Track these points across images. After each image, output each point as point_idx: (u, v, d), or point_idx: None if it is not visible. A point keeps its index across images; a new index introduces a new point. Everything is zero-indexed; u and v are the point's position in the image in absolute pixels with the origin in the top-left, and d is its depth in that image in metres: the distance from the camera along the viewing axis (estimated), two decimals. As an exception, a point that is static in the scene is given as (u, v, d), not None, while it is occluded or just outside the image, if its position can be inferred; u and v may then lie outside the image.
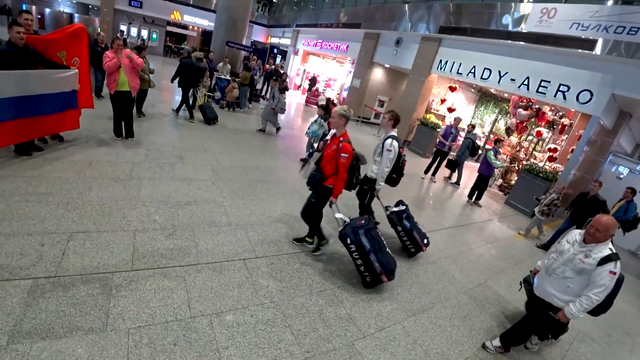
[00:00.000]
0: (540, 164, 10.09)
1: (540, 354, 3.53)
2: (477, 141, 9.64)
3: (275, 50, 27.34)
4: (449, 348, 3.20)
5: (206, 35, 27.12)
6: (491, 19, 10.08)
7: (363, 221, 3.72)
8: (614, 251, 2.74)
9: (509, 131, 12.03)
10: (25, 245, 3.06)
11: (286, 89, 7.79)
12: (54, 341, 2.26)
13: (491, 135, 14.26)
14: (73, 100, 5.25)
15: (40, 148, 5.04)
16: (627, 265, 7.64)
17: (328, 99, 8.60)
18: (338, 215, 3.80)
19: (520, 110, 10.95)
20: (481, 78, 10.65)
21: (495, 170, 7.68)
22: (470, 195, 8.28)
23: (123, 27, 23.38)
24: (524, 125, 11.32)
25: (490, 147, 8.43)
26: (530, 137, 12.59)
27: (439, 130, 11.33)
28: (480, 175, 8.20)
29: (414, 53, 12.71)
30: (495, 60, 10.28)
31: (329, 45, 18.25)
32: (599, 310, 3.03)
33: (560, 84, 8.92)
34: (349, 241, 3.58)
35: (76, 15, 23.58)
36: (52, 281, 2.75)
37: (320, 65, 21.27)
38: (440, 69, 11.88)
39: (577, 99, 8.59)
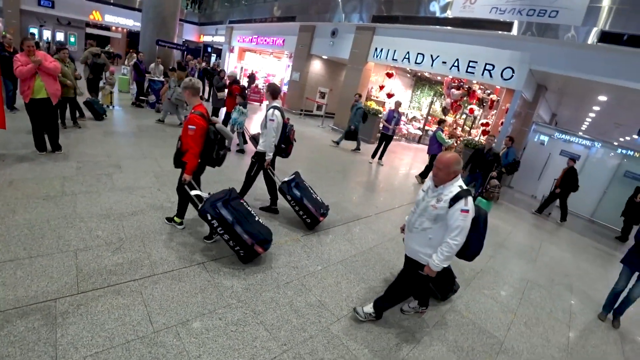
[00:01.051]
0: (476, 139, 10.88)
1: (445, 316, 3.67)
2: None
3: (210, 49, 26.29)
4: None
5: (132, 36, 25.19)
6: (420, 7, 10.56)
7: (223, 194, 3.53)
8: (464, 188, 2.57)
9: (445, 111, 12.79)
10: None
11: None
12: (-6, 387, 1.96)
13: (429, 117, 15.09)
14: None
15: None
16: (583, 228, 8.57)
17: (233, 81, 8.39)
18: (193, 193, 3.60)
19: (453, 90, 11.68)
20: (415, 63, 11.15)
21: (443, 148, 8.23)
22: (422, 175, 8.67)
23: (34, 30, 20.96)
24: (458, 104, 12.09)
25: (436, 128, 8.90)
26: (464, 116, 13.51)
27: (381, 115, 11.70)
28: (432, 156, 8.61)
29: (349, 43, 12.94)
30: (427, 45, 10.82)
31: (265, 41, 17.95)
32: (469, 252, 2.79)
33: (486, 64, 9.64)
34: (209, 217, 3.33)
35: None
36: (-21, 321, 2.38)
37: (258, 62, 20.88)
38: (376, 56, 12.24)
39: (502, 76, 9.36)
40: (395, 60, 11.67)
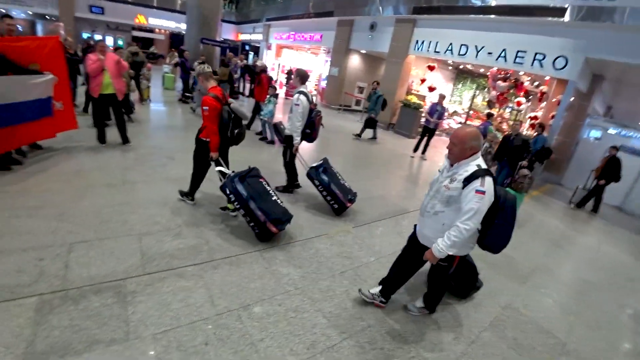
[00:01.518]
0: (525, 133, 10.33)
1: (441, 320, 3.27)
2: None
3: (247, 47, 26.82)
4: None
5: (174, 37, 26.26)
6: None
7: (243, 172, 3.69)
8: (482, 167, 2.26)
9: (490, 104, 12.24)
10: (22, 262, 2.83)
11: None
12: (75, 358, 2.08)
13: (471, 112, 14.52)
14: (48, 107, 4.92)
15: (20, 162, 4.70)
16: (618, 219, 7.95)
17: (261, 70, 8.43)
18: (217, 169, 3.83)
19: (499, 82, 11.15)
20: (459, 54, 10.74)
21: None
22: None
23: (86, 35, 22.39)
24: (504, 97, 11.54)
25: (483, 122, 8.55)
26: (509, 109, 12.87)
27: (422, 110, 11.40)
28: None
29: (389, 36, 12.69)
30: (471, 36, 10.38)
31: (302, 37, 18.02)
32: (495, 244, 2.46)
33: (536, 53, 9.09)
34: (227, 191, 3.49)
35: (39, 21, 22.43)
36: (59, 295, 2.54)
37: (295, 58, 21.01)
38: (417, 49, 11.92)
39: (554, 65, 8.79)
40: (438, 52, 11.31)
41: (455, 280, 3.31)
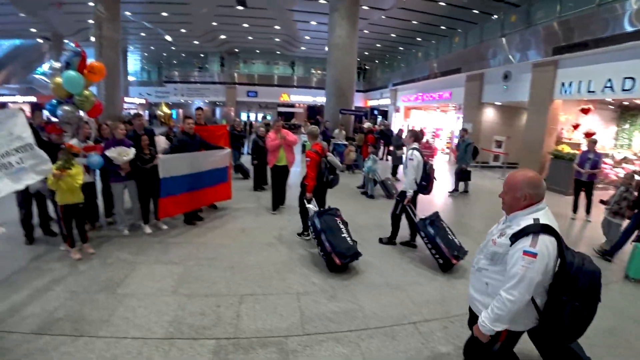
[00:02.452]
0: None
1: None
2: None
3: (376, 112, 28.52)
4: None
5: (310, 109, 30.18)
6: (615, 23, 8.66)
7: (324, 209, 4.59)
8: (541, 222, 1.74)
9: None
10: (204, 306, 3.30)
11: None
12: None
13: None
14: (225, 174, 6.10)
15: (202, 218, 5.81)
16: None
17: (369, 131, 8.90)
18: (308, 205, 4.82)
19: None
20: (623, 90, 8.89)
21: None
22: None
23: (243, 114, 27.75)
24: None
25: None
26: None
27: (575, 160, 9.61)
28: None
29: (527, 84, 11.62)
30: (637, 66, 8.58)
31: (430, 96, 18.16)
32: (561, 328, 1.77)
33: None
34: (309, 223, 4.41)
35: (217, 107, 28.97)
36: (232, 343, 2.82)
37: (424, 118, 21.12)
38: (565, 92, 10.46)
39: None
40: (592, 92, 9.66)
41: None
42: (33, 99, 24.04)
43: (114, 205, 5.24)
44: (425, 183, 4.76)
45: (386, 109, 25.26)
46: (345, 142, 10.99)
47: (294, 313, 3.26)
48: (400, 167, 9.34)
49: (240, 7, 16.85)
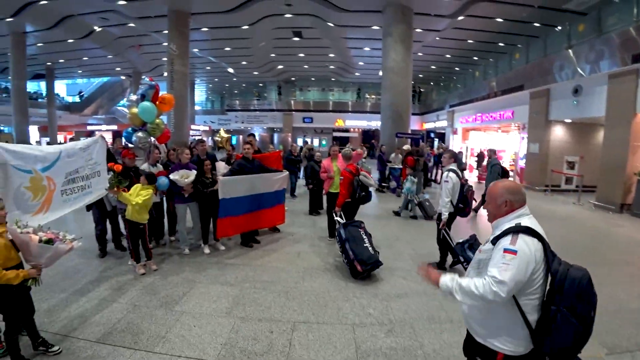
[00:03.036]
0: None
1: None
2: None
3: (432, 134, 27.72)
4: None
5: (365, 133, 30.31)
6: None
7: (349, 221, 4.97)
8: (522, 224, 1.71)
9: None
10: (257, 331, 3.23)
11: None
12: None
13: None
14: (282, 197, 6.15)
15: (258, 241, 5.87)
16: None
17: (408, 153, 9.37)
18: (336, 218, 5.22)
19: None
20: None
21: None
22: None
23: (299, 139, 28.54)
24: None
25: None
26: None
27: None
28: None
29: (602, 97, 10.39)
30: None
31: (491, 117, 17.17)
32: (555, 341, 1.60)
33: None
34: (336, 234, 4.96)
35: (275, 133, 30.37)
36: (284, 373, 2.67)
37: (484, 139, 20.00)
38: (652, 103, 9.18)
39: None
40: None
41: None
42: (114, 127, 27.20)
43: (177, 225, 5.52)
44: (463, 205, 4.75)
45: (443, 132, 24.42)
46: (401, 166, 10.66)
47: (349, 346, 3.04)
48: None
49: (296, 39, 17.74)
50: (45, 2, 13.44)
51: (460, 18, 13.83)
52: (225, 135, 6.96)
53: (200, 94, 37.16)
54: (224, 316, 3.51)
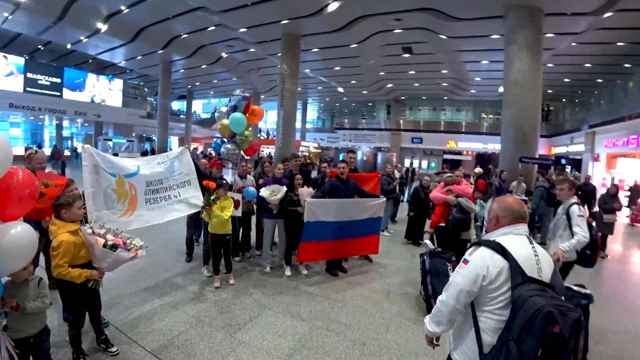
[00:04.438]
0: None
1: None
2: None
3: (563, 161, 23.09)
4: None
5: (479, 157, 27.19)
6: None
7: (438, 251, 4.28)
8: (492, 240, 1.67)
9: None
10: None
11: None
12: None
13: None
14: (377, 226, 5.35)
15: (345, 270, 5.17)
16: None
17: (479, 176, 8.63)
18: (426, 241, 4.74)
19: None
20: None
21: None
22: None
23: (407, 160, 27.21)
24: None
25: None
26: None
27: None
28: None
29: None
30: None
31: (653, 139, 13.18)
32: None
33: None
34: (420, 259, 4.32)
35: (380, 153, 29.75)
36: None
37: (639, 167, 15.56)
38: None
39: None
40: None
41: None
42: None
43: (263, 240, 5.29)
44: (591, 252, 3.71)
45: (578, 157, 20.03)
46: (525, 198, 8.67)
47: None
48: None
49: (406, 55, 16.94)
50: (186, 35, 16.30)
51: (606, 15, 11.01)
52: (315, 151, 6.44)
53: (312, 112, 39.20)
54: (283, 359, 2.95)
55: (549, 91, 22.20)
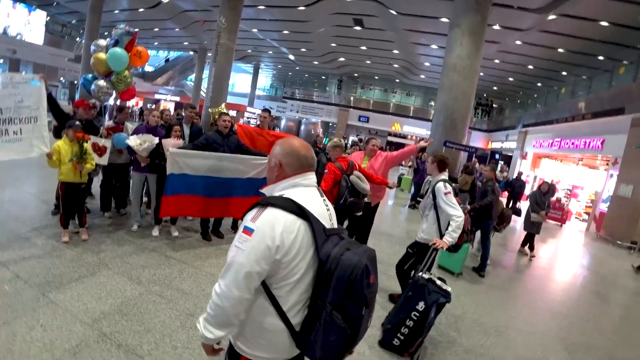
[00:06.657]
0: None
1: None
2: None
3: (497, 156, 24.56)
4: None
5: (422, 141, 28.15)
6: None
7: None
8: (287, 196, 1.27)
9: None
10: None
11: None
12: None
13: None
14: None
15: (222, 235, 4.84)
16: None
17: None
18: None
19: None
20: None
21: None
22: None
23: (351, 137, 27.27)
24: None
25: None
26: None
27: None
28: None
29: None
30: None
31: (572, 144, 14.32)
32: (312, 347, 1.23)
33: None
34: None
35: (303, 122, 27.53)
36: None
37: (558, 170, 16.96)
38: None
39: None
40: None
41: None
42: (177, 99, 28.60)
43: (131, 196, 4.78)
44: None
45: (510, 154, 21.42)
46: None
47: None
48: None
49: (357, 28, 16.49)
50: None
51: (550, 17, 11.39)
52: (217, 109, 5.59)
53: (266, 80, 37.64)
54: (86, 324, 2.58)
55: (495, 88, 23.19)
